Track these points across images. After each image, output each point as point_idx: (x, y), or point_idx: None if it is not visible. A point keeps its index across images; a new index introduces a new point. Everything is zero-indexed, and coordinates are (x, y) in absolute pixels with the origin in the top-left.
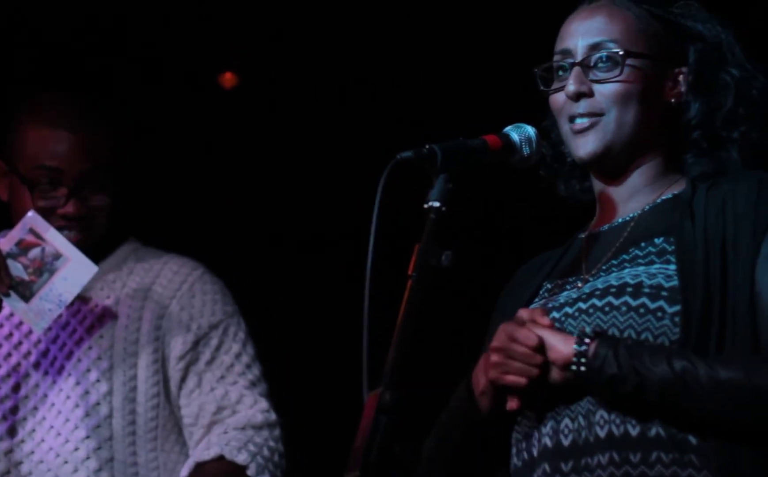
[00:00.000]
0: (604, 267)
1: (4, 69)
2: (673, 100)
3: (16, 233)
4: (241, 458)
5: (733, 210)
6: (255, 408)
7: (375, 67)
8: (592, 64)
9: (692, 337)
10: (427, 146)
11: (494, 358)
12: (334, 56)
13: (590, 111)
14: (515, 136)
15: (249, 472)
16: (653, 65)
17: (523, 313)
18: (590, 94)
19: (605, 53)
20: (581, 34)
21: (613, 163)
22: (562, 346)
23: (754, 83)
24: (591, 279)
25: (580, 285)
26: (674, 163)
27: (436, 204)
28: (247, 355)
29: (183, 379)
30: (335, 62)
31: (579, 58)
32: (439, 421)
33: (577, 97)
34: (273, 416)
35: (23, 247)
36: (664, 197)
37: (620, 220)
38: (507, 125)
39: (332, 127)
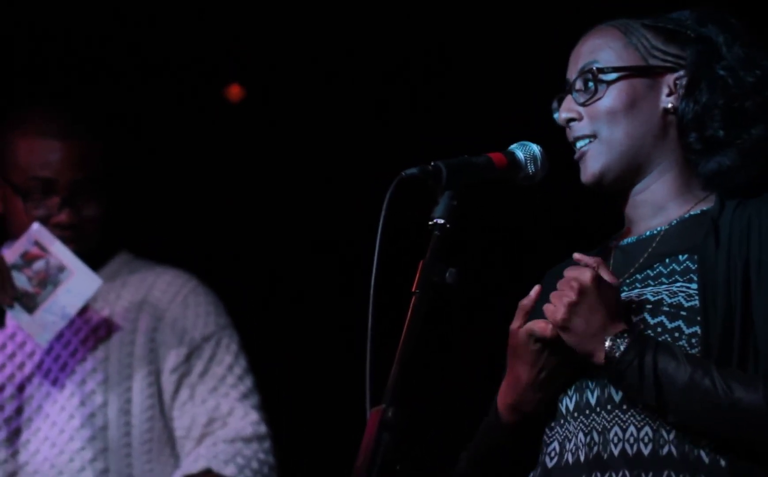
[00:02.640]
0: (628, 280)
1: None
2: (670, 106)
3: (21, 245)
4: (228, 471)
5: (758, 232)
6: (245, 420)
7: (383, 82)
8: (581, 88)
9: (712, 360)
10: (432, 163)
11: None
12: (340, 70)
13: (582, 134)
14: (520, 155)
15: None
16: (643, 76)
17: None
18: (579, 118)
19: (588, 75)
20: (575, 62)
21: (620, 181)
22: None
23: (741, 80)
24: None
25: None
26: (698, 175)
27: (441, 221)
28: (240, 366)
29: (176, 391)
30: (342, 76)
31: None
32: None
33: (567, 122)
34: (263, 428)
35: (28, 259)
36: (692, 212)
37: (647, 233)
38: (513, 142)
39: (337, 143)
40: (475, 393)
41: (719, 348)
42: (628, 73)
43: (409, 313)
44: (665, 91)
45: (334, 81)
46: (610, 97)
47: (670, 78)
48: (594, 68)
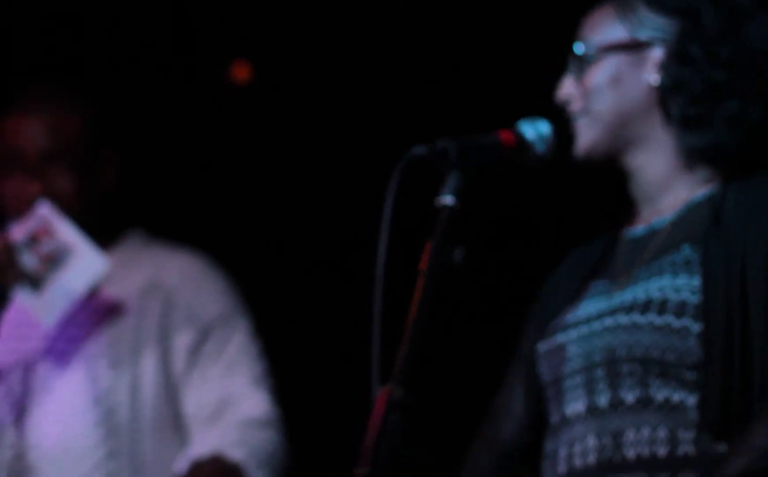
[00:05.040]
0: (636, 272)
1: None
2: (653, 81)
3: (29, 224)
4: (238, 455)
5: (758, 214)
6: (257, 404)
7: (393, 62)
8: (574, 68)
9: (715, 359)
10: (440, 142)
11: None
12: (350, 51)
13: (575, 112)
14: (530, 133)
15: (245, 468)
16: (627, 51)
17: None
18: (574, 97)
19: (576, 56)
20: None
21: (611, 156)
22: None
23: (713, 54)
24: (621, 288)
25: (611, 294)
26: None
27: (449, 200)
28: (252, 350)
29: (187, 372)
30: (351, 57)
31: None
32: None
33: (564, 102)
34: (275, 412)
35: (35, 239)
36: (698, 196)
37: (654, 220)
38: (522, 118)
39: (344, 124)
40: (485, 376)
41: (721, 345)
42: (610, 49)
43: (417, 293)
44: (651, 65)
45: (343, 61)
46: (595, 76)
47: (657, 52)
48: (582, 46)
